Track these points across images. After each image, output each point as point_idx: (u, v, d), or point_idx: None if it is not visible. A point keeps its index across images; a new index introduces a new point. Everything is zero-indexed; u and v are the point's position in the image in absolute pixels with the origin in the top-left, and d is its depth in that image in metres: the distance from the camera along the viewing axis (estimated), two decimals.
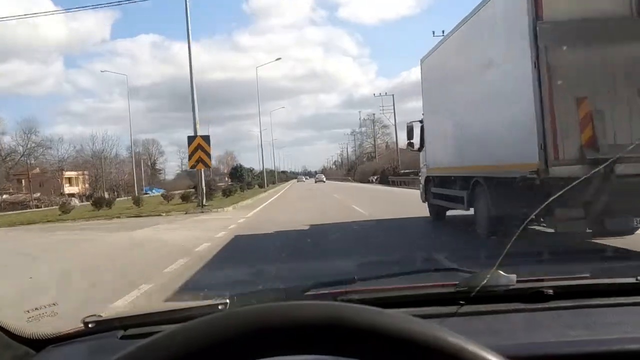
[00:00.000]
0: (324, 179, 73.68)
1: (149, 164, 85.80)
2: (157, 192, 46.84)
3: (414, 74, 64.39)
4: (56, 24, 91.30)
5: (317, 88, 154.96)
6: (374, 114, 74.82)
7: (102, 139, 60.18)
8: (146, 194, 42.40)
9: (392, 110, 55.28)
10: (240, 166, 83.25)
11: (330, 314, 0.50)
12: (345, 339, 0.49)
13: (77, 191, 50.49)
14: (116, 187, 55.54)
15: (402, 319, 0.50)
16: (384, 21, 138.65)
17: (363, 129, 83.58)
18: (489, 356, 0.48)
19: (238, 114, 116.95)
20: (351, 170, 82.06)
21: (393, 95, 57.04)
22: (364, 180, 57.39)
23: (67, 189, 50.64)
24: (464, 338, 0.49)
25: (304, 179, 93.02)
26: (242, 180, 56.73)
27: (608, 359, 0.91)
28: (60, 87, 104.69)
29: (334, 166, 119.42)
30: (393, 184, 40.33)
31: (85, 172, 53.62)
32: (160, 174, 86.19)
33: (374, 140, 78.86)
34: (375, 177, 52.53)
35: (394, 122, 54.55)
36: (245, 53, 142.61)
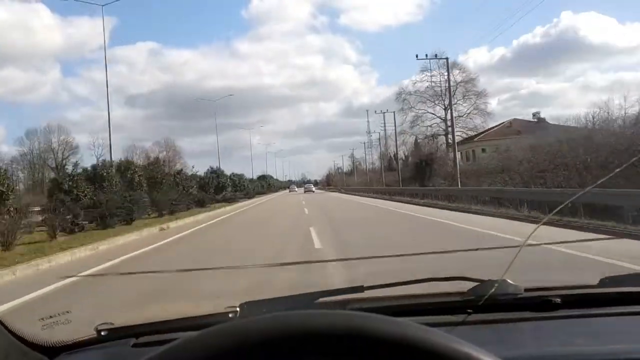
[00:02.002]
0: (313, 189, 68.05)
1: (54, 164, 53.96)
2: None
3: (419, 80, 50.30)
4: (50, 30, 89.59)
5: (316, 96, 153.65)
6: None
7: None
8: None
9: None
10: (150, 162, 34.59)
11: (352, 324, 0.50)
12: (366, 349, 0.49)
13: None
14: None
15: (424, 330, 0.51)
16: (385, 28, 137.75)
17: (420, 83, 42.78)
18: None
19: (237, 122, 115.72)
20: (426, 166, 35.14)
21: None
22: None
23: None
24: (483, 352, 0.49)
25: (296, 189, 79.57)
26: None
27: None
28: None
29: (337, 174, 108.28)
30: None
31: None
32: None
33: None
34: None
35: None
36: (244, 60, 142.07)
